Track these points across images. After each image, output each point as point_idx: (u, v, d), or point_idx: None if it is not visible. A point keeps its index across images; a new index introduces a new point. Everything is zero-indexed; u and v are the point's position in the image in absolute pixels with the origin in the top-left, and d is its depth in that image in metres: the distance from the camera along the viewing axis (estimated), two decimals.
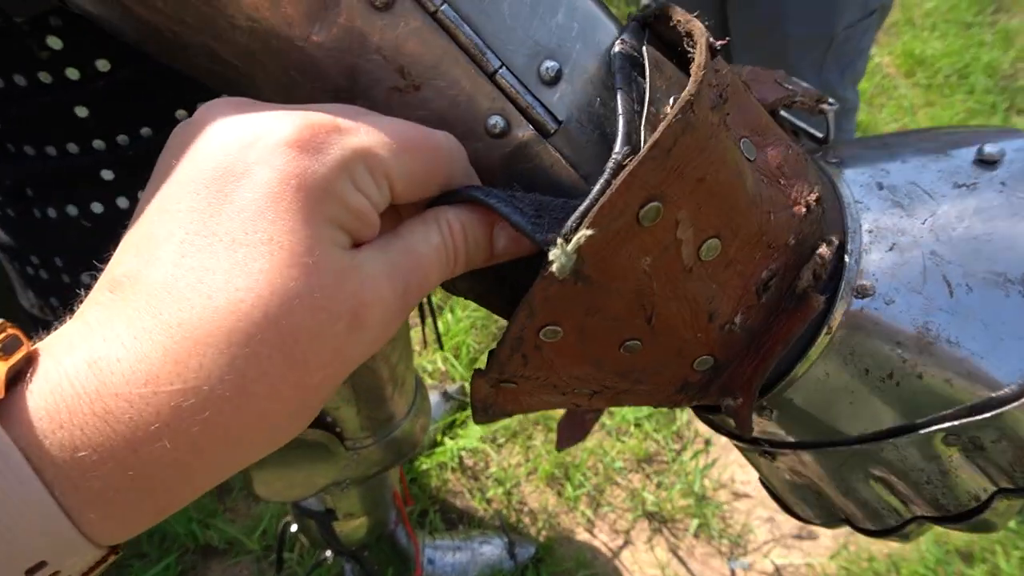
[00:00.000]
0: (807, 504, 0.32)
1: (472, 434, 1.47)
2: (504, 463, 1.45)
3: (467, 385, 1.56)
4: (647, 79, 0.24)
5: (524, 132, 0.25)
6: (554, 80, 0.25)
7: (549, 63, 0.25)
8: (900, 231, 0.27)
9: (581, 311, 0.24)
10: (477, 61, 0.24)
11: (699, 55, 0.23)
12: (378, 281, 0.22)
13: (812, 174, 0.27)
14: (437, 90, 0.24)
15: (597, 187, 0.23)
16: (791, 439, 0.29)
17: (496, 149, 0.25)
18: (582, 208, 0.22)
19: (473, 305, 1.71)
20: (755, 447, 0.31)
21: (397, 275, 0.23)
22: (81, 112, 0.44)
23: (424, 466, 1.43)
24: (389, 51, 0.24)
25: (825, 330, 0.26)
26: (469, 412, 1.51)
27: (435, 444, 1.47)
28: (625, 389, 0.27)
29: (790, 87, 0.30)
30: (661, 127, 0.22)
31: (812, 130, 0.31)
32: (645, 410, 1.52)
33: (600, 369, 0.26)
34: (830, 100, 0.30)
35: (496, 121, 0.25)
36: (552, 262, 0.22)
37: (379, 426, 0.81)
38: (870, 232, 0.27)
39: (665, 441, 1.48)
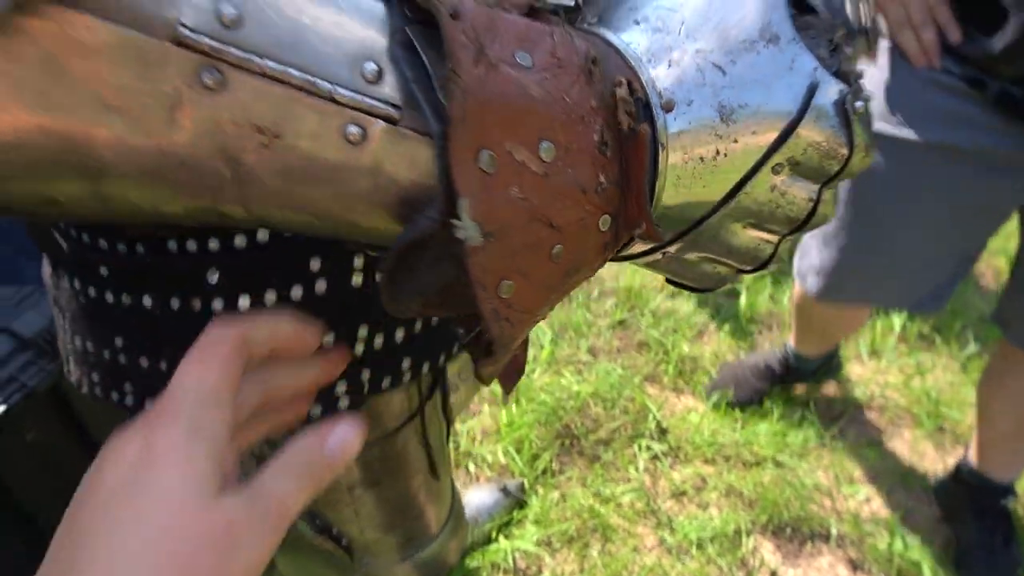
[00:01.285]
0: (704, 277, 0.41)
1: (528, 535, 1.44)
2: (558, 569, 1.40)
3: (527, 481, 1.53)
4: (424, 60, 0.29)
5: (377, 127, 0.28)
6: (378, 76, 0.28)
7: (368, 65, 0.28)
8: (667, 48, 0.33)
9: (509, 256, 0.29)
10: (313, 92, 0.27)
11: (443, 29, 0.27)
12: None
13: (580, 43, 0.32)
14: (294, 131, 0.28)
15: (438, 168, 0.28)
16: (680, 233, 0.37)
17: (365, 154, 0.29)
18: (441, 189, 0.28)
19: (539, 398, 1.70)
20: (658, 253, 0.38)
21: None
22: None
23: (475, 563, 1.39)
24: (241, 119, 0.27)
25: (661, 148, 0.33)
26: (526, 510, 1.48)
27: (489, 541, 1.43)
28: (577, 278, 0.34)
29: None
30: (449, 106, 0.27)
31: (564, 2, 0.35)
32: (708, 530, 1.45)
33: (553, 282, 0.32)
34: None
35: (352, 130, 0.28)
36: (465, 239, 0.27)
37: (404, 543, 0.74)
38: (648, 60, 0.33)
39: (729, 568, 1.41)
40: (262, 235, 0.47)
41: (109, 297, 0.49)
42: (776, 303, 2.13)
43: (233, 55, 0.26)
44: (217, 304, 0.48)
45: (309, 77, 0.27)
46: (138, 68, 0.25)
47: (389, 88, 0.29)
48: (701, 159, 0.33)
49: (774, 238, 0.38)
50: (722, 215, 0.35)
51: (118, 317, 0.50)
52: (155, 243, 0.46)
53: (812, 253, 1.34)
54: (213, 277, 0.47)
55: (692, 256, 0.39)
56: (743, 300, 2.10)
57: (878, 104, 1.11)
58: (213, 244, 0.46)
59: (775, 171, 0.34)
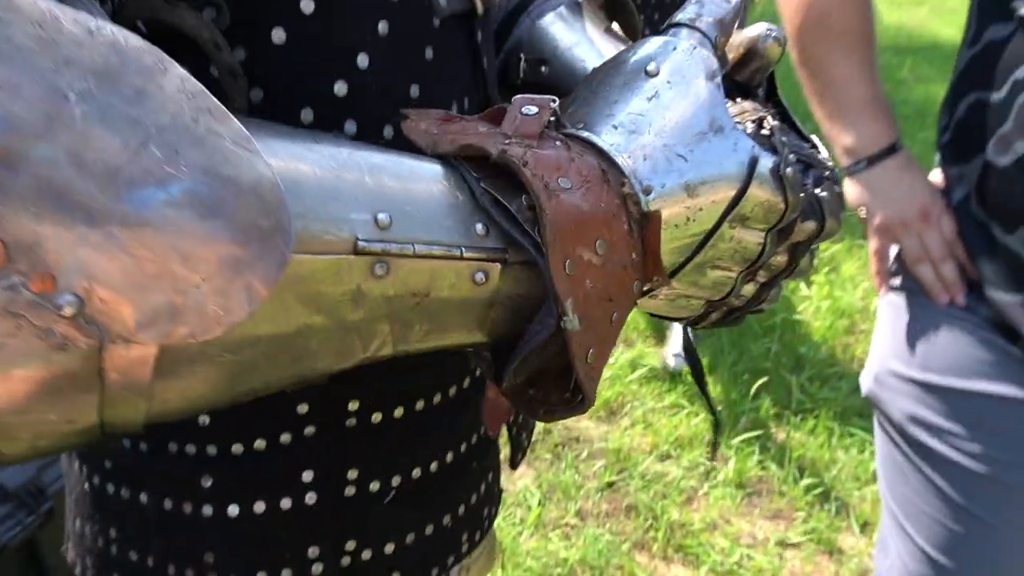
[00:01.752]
0: (680, 310, 0.50)
1: None
2: None
3: None
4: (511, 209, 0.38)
5: (495, 269, 0.37)
6: (487, 231, 0.38)
7: (478, 226, 0.38)
8: (642, 145, 0.42)
9: (592, 331, 0.38)
10: (450, 257, 0.36)
11: (523, 177, 0.36)
12: None
13: (591, 159, 0.40)
14: (438, 287, 0.36)
15: (546, 281, 0.36)
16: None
17: (488, 289, 0.38)
18: (550, 297, 0.36)
19: (526, 564, 1.65)
20: (653, 294, 0.46)
21: None
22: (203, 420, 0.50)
23: None
24: (403, 291, 0.35)
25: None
26: None
27: None
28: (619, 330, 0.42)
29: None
30: (543, 235, 0.36)
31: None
32: None
33: (612, 340, 0.40)
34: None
35: (479, 276, 0.37)
36: (570, 328, 0.36)
37: None
38: (629, 156, 0.41)
39: None
40: (259, 443, 0.50)
41: (110, 488, 0.53)
42: (764, 469, 2.13)
43: (394, 249, 0.34)
44: (207, 509, 0.51)
45: (446, 248, 0.36)
46: (333, 277, 0.32)
47: (493, 239, 0.38)
48: (676, 226, 0.42)
49: (733, 274, 0.47)
50: (695, 261, 0.44)
51: (115, 509, 0.53)
52: (157, 442, 0.50)
53: None
54: (206, 482, 0.50)
55: (670, 294, 0.48)
56: (732, 464, 2.10)
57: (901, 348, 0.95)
58: (211, 449, 0.50)
59: (731, 225, 0.44)
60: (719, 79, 0.43)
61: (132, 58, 0.25)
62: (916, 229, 0.91)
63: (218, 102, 0.28)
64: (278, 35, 0.45)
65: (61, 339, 0.24)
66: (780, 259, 0.49)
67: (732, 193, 0.43)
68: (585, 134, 0.42)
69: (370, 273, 0.33)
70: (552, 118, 0.41)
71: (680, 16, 0.46)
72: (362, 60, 0.48)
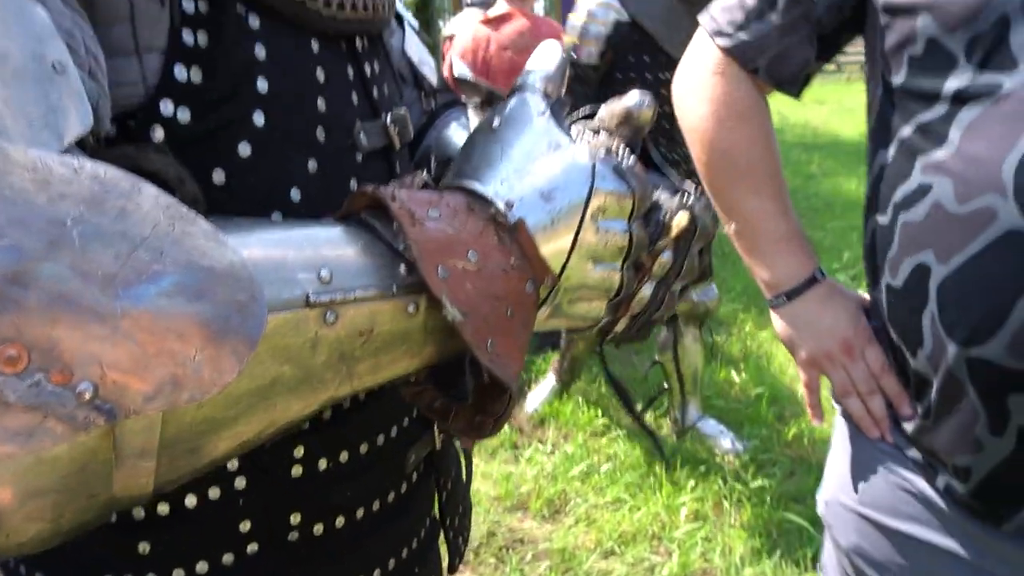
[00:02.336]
0: (587, 318, 0.54)
1: None
2: None
3: None
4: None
5: (423, 297, 0.45)
6: (409, 270, 0.45)
7: (400, 267, 0.44)
8: (498, 175, 0.49)
9: (484, 324, 0.45)
10: (386, 296, 0.43)
11: (389, 209, 0.44)
12: None
13: (459, 196, 0.49)
14: (380, 323, 0.43)
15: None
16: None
17: (419, 316, 0.45)
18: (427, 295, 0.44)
19: None
20: (551, 301, 0.52)
21: None
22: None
23: None
24: (351, 332, 0.42)
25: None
26: None
27: None
28: (529, 328, 0.49)
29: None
30: (408, 254, 0.44)
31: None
32: None
33: (516, 333, 0.47)
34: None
35: (411, 308, 0.44)
36: (453, 319, 0.43)
37: None
38: (489, 187, 0.49)
39: None
40: (189, 501, 0.52)
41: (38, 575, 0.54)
42: (708, 561, 2.13)
43: (339, 298, 0.40)
44: None
45: (379, 290, 0.42)
46: (294, 330, 0.39)
47: (415, 275, 0.44)
48: (544, 228, 0.48)
49: (616, 271, 0.51)
50: (576, 257, 0.49)
51: None
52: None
53: None
54: (144, 548, 0.52)
55: (570, 298, 0.52)
56: (675, 558, 2.10)
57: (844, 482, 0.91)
58: (137, 513, 0.52)
59: (594, 218, 0.49)
60: (548, 113, 0.52)
61: (112, 185, 0.31)
62: (841, 362, 0.88)
63: (186, 208, 0.33)
64: (218, 176, 0.50)
65: (83, 421, 0.29)
66: (665, 260, 0.54)
67: (585, 192, 0.49)
68: (455, 182, 0.51)
69: (323, 321, 0.40)
70: (424, 183, 0.51)
71: (515, 82, 0.55)
72: (295, 194, 0.54)
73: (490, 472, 2.50)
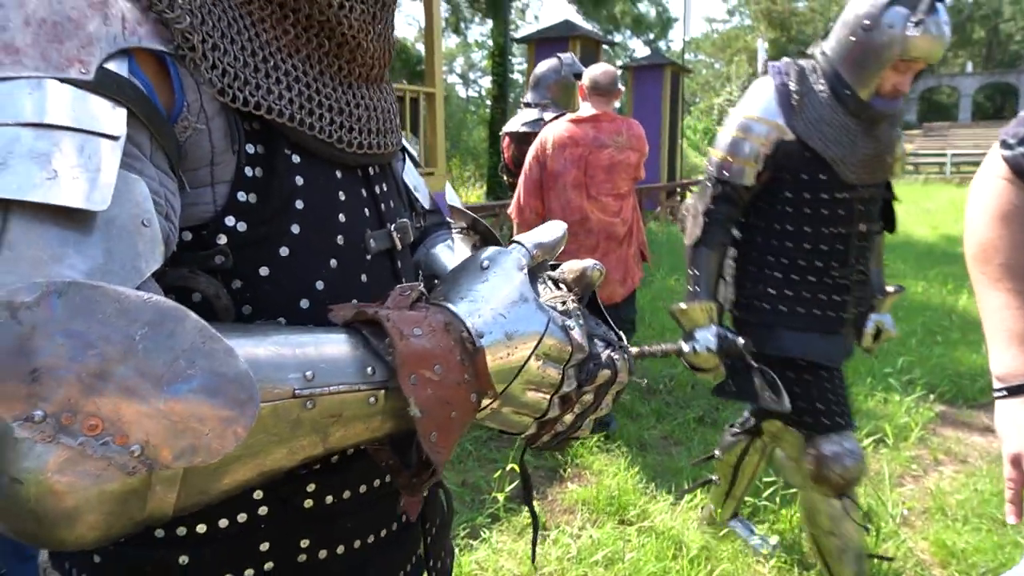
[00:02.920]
0: (515, 425, 0.69)
1: None
2: None
3: None
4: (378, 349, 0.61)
5: (382, 393, 0.60)
6: (374, 371, 0.60)
7: (368, 368, 0.60)
8: (478, 310, 0.64)
9: (432, 421, 0.59)
10: (354, 391, 0.58)
11: (384, 327, 0.60)
12: None
13: (440, 316, 0.63)
14: (347, 409, 0.58)
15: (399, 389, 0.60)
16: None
17: (379, 405, 0.60)
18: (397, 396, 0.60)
19: None
20: (490, 407, 0.66)
21: None
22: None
23: None
24: (325, 415, 0.57)
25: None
26: None
27: None
28: (464, 427, 0.63)
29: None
30: (392, 362, 0.58)
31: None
32: None
33: (454, 431, 0.61)
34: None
35: (372, 400, 0.59)
36: (414, 415, 0.58)
37: None
38: (469, 315, 0.64)
39: None
40: (222, 523, 0.67)
41: None
42: None
43: (317, 392, 0.55)
44: None
45: (352, 385, 0.57)
46: (281, 414, 0.54)
47: (380, 375, 0.59)
48: (500, 357, 0.64)
49: (546, 398, 0.68)
50: (517, 382, 0.65)
51: None
52: (139, 536, 0.65)
53: None
54: (184, 560, 0.67)
55: (506, 410, 0.67)
56: None
57: None
58: (180, 531, 0.66)
59: (536, 358, 0.65)
60: (525, 271, 0.69)
61: (168, 313, 0.47)
62: None
63: (214, 331, 0.48)
64: (263, 271, 0.66)
65: (132, 469, 0.46)
66: (587, 398, 0.72)
67: (536, 338, 0.65)
68: (441, 302, 0.66)
69: (303, 408, 0.55)
70: (419, 296, 0.66)
71: (517, 237, 0.72)
72: (319, 284, 0.70)
73: (516, 550, 2.56)
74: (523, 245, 0.71)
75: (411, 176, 0.96)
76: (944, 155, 26.90)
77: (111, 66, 0.54)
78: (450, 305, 0.65)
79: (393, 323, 0.59)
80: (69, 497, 0.45)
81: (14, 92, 0.49)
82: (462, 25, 16.53)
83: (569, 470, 3.15)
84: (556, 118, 3.56)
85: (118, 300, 0.45)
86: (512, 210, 3.42)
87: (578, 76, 3.83)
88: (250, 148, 0.65)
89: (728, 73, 35.27)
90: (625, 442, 3.43)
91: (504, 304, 0.65)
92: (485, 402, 0.65)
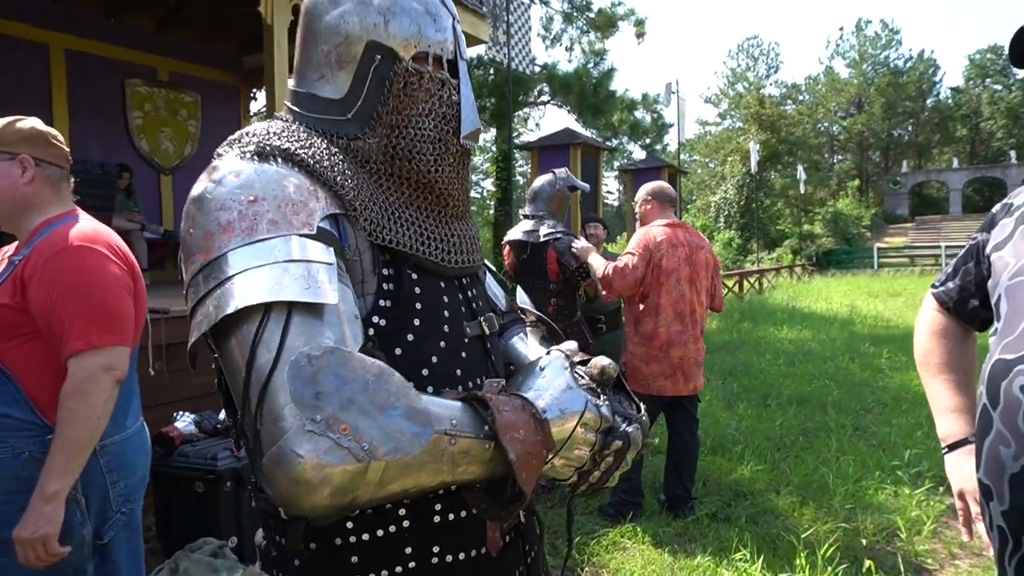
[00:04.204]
0: (565, 472, 0.96)
1: None
2: None
3: None
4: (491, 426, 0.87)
5: (491, 442, 0.86)
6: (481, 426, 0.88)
7: (487, 429, 0.87)
8: (540, 396, 0.94)
9: (525, 466, 0.86)
10: (478, 438, 0.85)
11: (494, 417, 0.86)
12: None
13: (517, 400, 0.92)
14: (471, 452, 0.85)
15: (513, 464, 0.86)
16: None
17: (489, 449, 0.86)
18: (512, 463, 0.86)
19: None
20: (551, 460, 0.94)
21: None
22: None
23: None
24: (460, 451, 0.84)
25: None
26: None
27: None
28: (542, 471, 0.91)
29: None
30: (509, 451, 0.85)
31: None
32: None
33: (535, 474, 0.87)
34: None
35: (487, 445, 0.86)
36: (512, 460, 0.85)
37: None
38: (537, 400, 0.94)
39: None
40: (379, 532, 0.91)
41: None
42: None
43: (458, 433, 0.82)
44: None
45: (476, 434, 0.84)
46: (437, 444, 0.80)
47: (490, 431, 0.85)
48: (556, 426, 0.91)
49: (585, 455, 0.95)
50: (568, 443, 0.92)
51: None
52: (326, 541, 0.90)
53: None
54: (354, 559, 0.90)
55: (559, 462, 0.94)
56: None
57: None
58: (352, 538, 0.90)
59: (581, 426, 0.93)
60: (569, 369, 0.99)
61: (384, 370, 0.79)
62: (971, 497, 1.29)
63: (410, 384, 0.81)
64: (397, 351, 0.93)
65: (361, 456, 0.74)
66: (609, 459, 0.96)
67: (579, 415, 0.93)
68: (515, 392, 0.94)
69: (449, 443, 0.81)
70: (501, 387, 0.93)
71: (558, 346, 1.04)
72: (433, 359, 0.97)
73: None
74: (562, 352, 1.03)
75: (493, 287, 1.29)
76: (938, 247, 27.45)
77: (323, 224, 0.88)
78: (525, 394, 0.93)
79: (494, 403, 0.86)
80: (326, 469, 0.72)
81: (279, 244, 0.83)
82: None
83: (587, 569, 3.18)
84: (554, 229, 3.93)
85: (360, 360, 0.78)
86: (604, 293, 3.71)
87: (572, 189, 4.14)
88: (385, 271, 0.96)
89: (723, 172, 36.47)
90: (640, 540, 3.46)
91: (557, 391, 0.95)
92: (550, 456, 0.91)
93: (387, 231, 0.95)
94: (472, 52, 10.67)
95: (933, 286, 1.50)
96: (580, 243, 3.84)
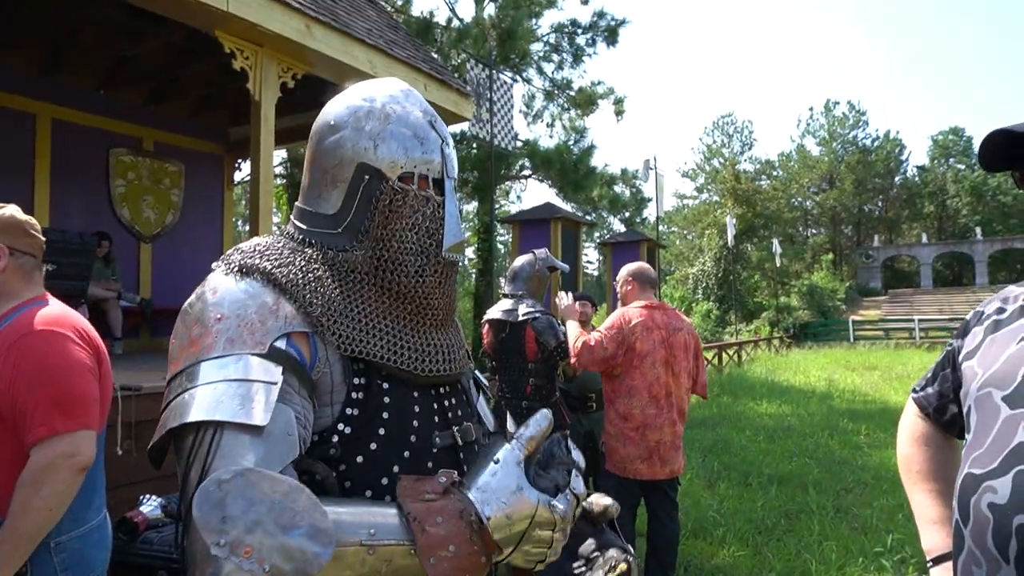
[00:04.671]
0: (531, 563, 0.94)
1: None
2: None
3: None
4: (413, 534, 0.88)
5: (406, 547, 0.87)
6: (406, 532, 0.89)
7: (407, 535, 0.87)
8: (485, 497, 0.90)
9: None
10: (399, 545, 0.86)
11: (410, 523, 0.87)
12: None
13: (458, 504, 0.90)
14: (396, 564, 0.86)
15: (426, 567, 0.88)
16: None
17: (408, 555, 0.87)
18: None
19: None
20: (507, 559, 0.93)
21: None
22: None
23: None
24: (380, 559, 0.85)
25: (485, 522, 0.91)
26: None
27: None
28: None
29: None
30: (421, 557, 0.87)
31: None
32: None
33: None
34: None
35: (412, 550, 0.86)
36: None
37: None
38: (480, 502, 0.90)
39: None
40: None
41: None
42: None
43: (376, 543, 0.84)
44: None
45: (399, 541, 0.85)
46: (353, 557, 0.82)
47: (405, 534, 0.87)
48: (500, 528, 0.88)
49: (546, 545, 0.93)
50: (522, 543, 0.90)
51: None
52: None
53: None
54: None
55: (518, 556, 0.92)
56: None
57: None
58: None
59: (531, 527, 0.90)
60: (521, 464, 0.94)
61: (293, 487, 0.81)
62: None
63: (317, 500, 0.81)
64: (359, 459, 0.95)
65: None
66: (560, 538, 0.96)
67: (528, 518, 0.90)
68: (463, 491, 0.91)
69: (367, 552, 0.82)
70: (452, 483, 0.91)
71: (516, 432, 0.97)
72: (396, 468, 0.97)
73: None
74: (519, 439, 0.96)
75: (482, 407, 1.29)
76: (912, 320, 27.94)
77: (279, 343, 0.93)
78: (469, 494, 0.91)
79: (417, 520, 0.86)
80: None
81: (230, 363, 0.89)
82: None
83: None
84: (533, 309, 3.95)
85: (271, 480, 0.80)
86: (573, 361, 3.64)
87: (552, 269, 4.18)
88: (356, 380, 0.98)
89: (701, 245, 37.17)
90: None
91: (506, 494, 0.91)
92: (498, 557, 0.91)
93: (357, 342, 0.99)
94: (456, 128, 10.97)
95: (914, 390, 1.49)
96: (566, 301, 3.86)
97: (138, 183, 7.03)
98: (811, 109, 74.81)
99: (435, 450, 1.02)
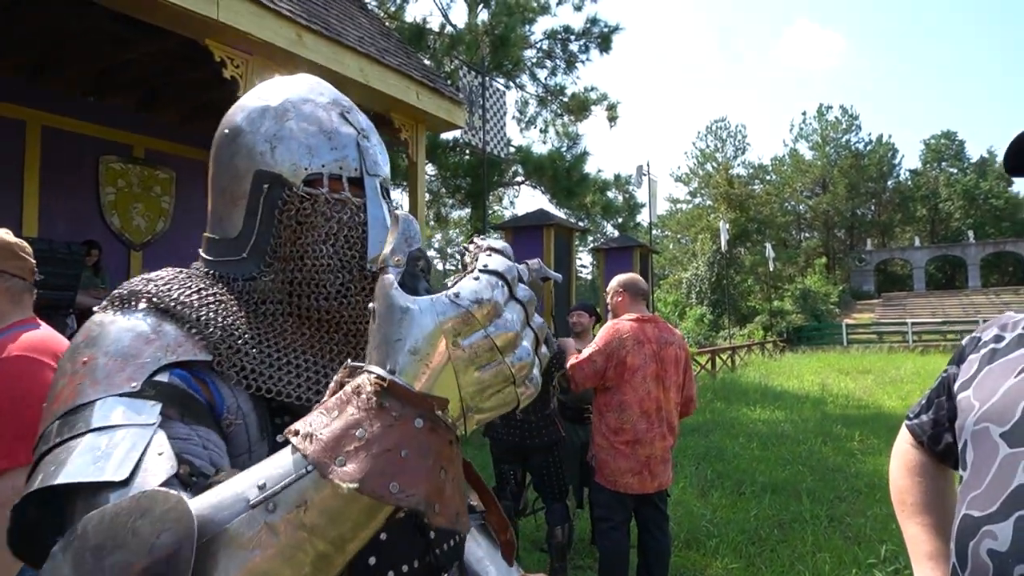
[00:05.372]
0: (505, 403, 0.62)
1: None
2: None
3: None
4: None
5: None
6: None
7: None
8: (388, 354, 0.58)
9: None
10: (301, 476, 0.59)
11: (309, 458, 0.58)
12: None
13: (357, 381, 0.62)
14: (313, 509, 0.57)
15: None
16: None
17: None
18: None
19: None
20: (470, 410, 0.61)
21: None
22: None
23: None
24: (282, 527, 0.56)
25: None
26: None
27: None
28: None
29: None
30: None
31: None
32: None
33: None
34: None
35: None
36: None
37: None
38: (378, 364, 0.60)
39: None
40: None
41: None
42: None
43: (270, 492, 0.56)
44: None
45: (297, 474, 0.57)
46: (246, 526, 0.56)
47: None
48: (426, 374, 0.57)
49: (501, 364, 0.59)
50: (461, 375, 0.58)
51: None
52: None
53: None
54: None
55: (481, 401, 0.59)
56: None
57: None
58: None
59: (455, 344, 0.57)
60: (395, 286, 0.60)
61: (156, 495, 0.58)
62: None
63: (185, 509, 0.56)
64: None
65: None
66: (523, 342, 0.62)
67: (438, 335, 0.57)
68: (365, 367, 0.59)
69: (267, 512, 0.55)
70: (352, 369, 0.61)
71: (379, 257, 0.64)
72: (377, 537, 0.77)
73: None
74: (387, 264, 0.63)
75: None
76: (905, 323, 28.03)
77: (159, 377, 0.74)
78: (366, 367, 0.60)
79: (300, 433, 0.58)
80: None
81: (87, 412, 0.70)
82: (443, 211, 17.58)
83: None
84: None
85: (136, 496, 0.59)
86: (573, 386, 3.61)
87: (545, 280, 4.17)
88: (279, 438, 0.70)
89: (694, 249, 37.27)
90: None
91: (396, 330, 0.58)
92: (453, 415, 0.59)
93: (267, 378, 0.80)
94: (448, 136, 10.95)
95: (908, 417, 1.42)
96: (568, 344, 3.94)
97: (128, 191, 6.99)
98: (804, 114, 75.48)
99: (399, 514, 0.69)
